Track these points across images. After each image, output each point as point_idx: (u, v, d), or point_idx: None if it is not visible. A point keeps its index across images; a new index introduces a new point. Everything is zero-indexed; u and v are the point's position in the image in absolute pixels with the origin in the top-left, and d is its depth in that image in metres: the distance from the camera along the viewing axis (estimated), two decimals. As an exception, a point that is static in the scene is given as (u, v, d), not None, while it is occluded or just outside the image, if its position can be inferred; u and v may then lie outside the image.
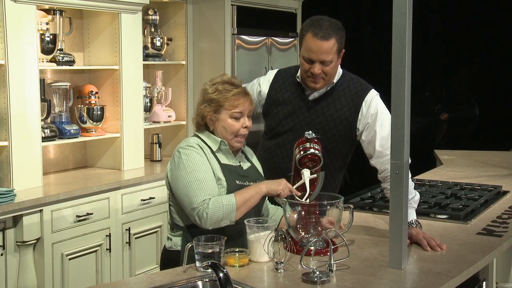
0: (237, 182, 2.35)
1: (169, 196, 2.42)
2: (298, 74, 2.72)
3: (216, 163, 2.34)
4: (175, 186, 2.31)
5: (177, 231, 2.38)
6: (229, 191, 2.30)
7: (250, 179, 2.40)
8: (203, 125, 2.41)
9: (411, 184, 2.50)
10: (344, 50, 2.63)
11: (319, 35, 2.53)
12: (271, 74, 2.86)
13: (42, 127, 3.73)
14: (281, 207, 2.35)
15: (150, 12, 4.57)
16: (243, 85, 2.90)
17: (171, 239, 2.39)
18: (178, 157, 2.32)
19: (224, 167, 2.35)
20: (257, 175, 2.47)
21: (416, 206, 2.51)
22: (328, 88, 2.70)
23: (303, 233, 2.20)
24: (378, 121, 2.62)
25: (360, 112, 2.66)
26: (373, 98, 2.67)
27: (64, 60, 3.94)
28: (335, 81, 2.69)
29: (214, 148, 2.37)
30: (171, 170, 2.34)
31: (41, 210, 3.40)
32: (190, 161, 2.29)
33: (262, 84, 2.84)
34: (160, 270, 2.30)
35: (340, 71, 2.72)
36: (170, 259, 2.35)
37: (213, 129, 2.38)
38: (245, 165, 2.46)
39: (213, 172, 2.31)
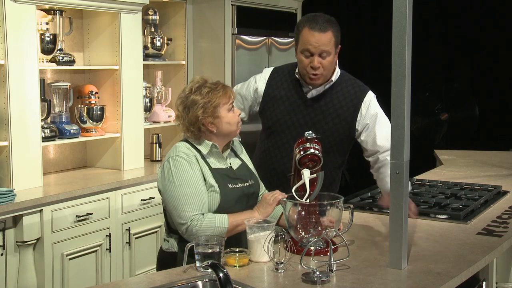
0: (230, 186, 2.34)
1: (163, 201, 2.42)
2: (297, 70, 2.73)
3: (207, 168, 2.33)
4: (164, 197, 2.33)
5: (173, 234, 2.38)
6: (222, 196, 2.31)
7: (242, 181, 2.40)
8: (198, 133, 2.36)
9: None
10: (340, 46, 2.65)
11: (316, 28, 2.57)
12: (267, 71, 2.86)
13: (42, 127, 3.73)
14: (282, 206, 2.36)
15: (150, 12, 4.57)
16: (240, 84, 2.92)
17: (167, 241, 2.39)
18: (167, 168, 2.31)
19: (215, 172, 2.34)
20: (248, 175, 2.46)
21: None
22: (327, 86, 2.71)
23: (303, 233, 2.20)
24: (378, 123, 2.67)
25: (359, 113, 2.68)
26: (371, 100, 2.72)
27: (64, 60, 3.94)
28: (333, 79, 2.70)
29: (205, 152, 2.36)
30: (161, 179, 2.34)
31: (41, 210, 3.40)
32: (179, 174, 2.28)
33: (258, 82, 2.83)
34: (157, 271, 2.30)
35: (338, 70, 2.73)
36: (167, 261, 2.35)
37: (216, 131, 2.36)
38: (235, 165, 2.45)
39: (205, 179, 2.30)
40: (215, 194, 2.31)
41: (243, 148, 2.58)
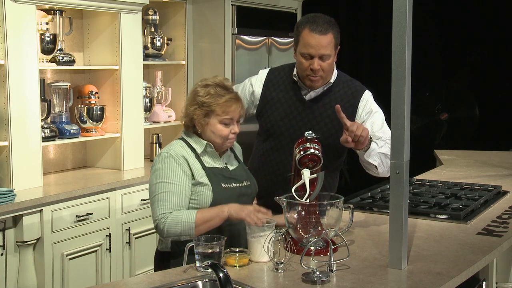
0: (223, 185, 2.34)
1: None
2: (295, 72, 2.72)
3: (200, 167, 2.32)
4: (148, 191, 2.34)
5: None
6: (215, 195, 2.30)
7: (237, 181, 2.40)
8: (191, 127, 2.39)
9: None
10: (339, 46, 2.64)
11: (316, 30, 2.55)
12: (263, 73, 2.84)
13: (42, 127, 3.73)
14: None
15: (150, 12, 4.57)
16: (234, 86, 2.88)
17: (162, 241, 2.39)
18: (155, 163, 2.34)
19: (208, 170, 2.33)
20: (244, 176, 2.45)
21: (379, 150, 2.52)
22: (325, 88, 2.70)
23: (303, 233, 2.20)
24: (369, 120, 2.66)
25: (357, 113, 2.68)
26: (368, 99, 2.72)
27: (64, 60, 3.94)
28: (332, 81, 2.70)
29: (199, 151, 2.35)
30: (151, 173, 2.36)
31: (41, 210, 3.40)
32: (164, 171, 2.28)
33: (254, 84, 2.81)
34: (154, 271, 2.30)
35: (335, 71, 2.73)
36: (161, 261, 2.36)
37: (201, 132, 2.36)
38: (232, 166, 2.44)
39: (194, 178, 2.30)
40: (207, 192, 2.30)
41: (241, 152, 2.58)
